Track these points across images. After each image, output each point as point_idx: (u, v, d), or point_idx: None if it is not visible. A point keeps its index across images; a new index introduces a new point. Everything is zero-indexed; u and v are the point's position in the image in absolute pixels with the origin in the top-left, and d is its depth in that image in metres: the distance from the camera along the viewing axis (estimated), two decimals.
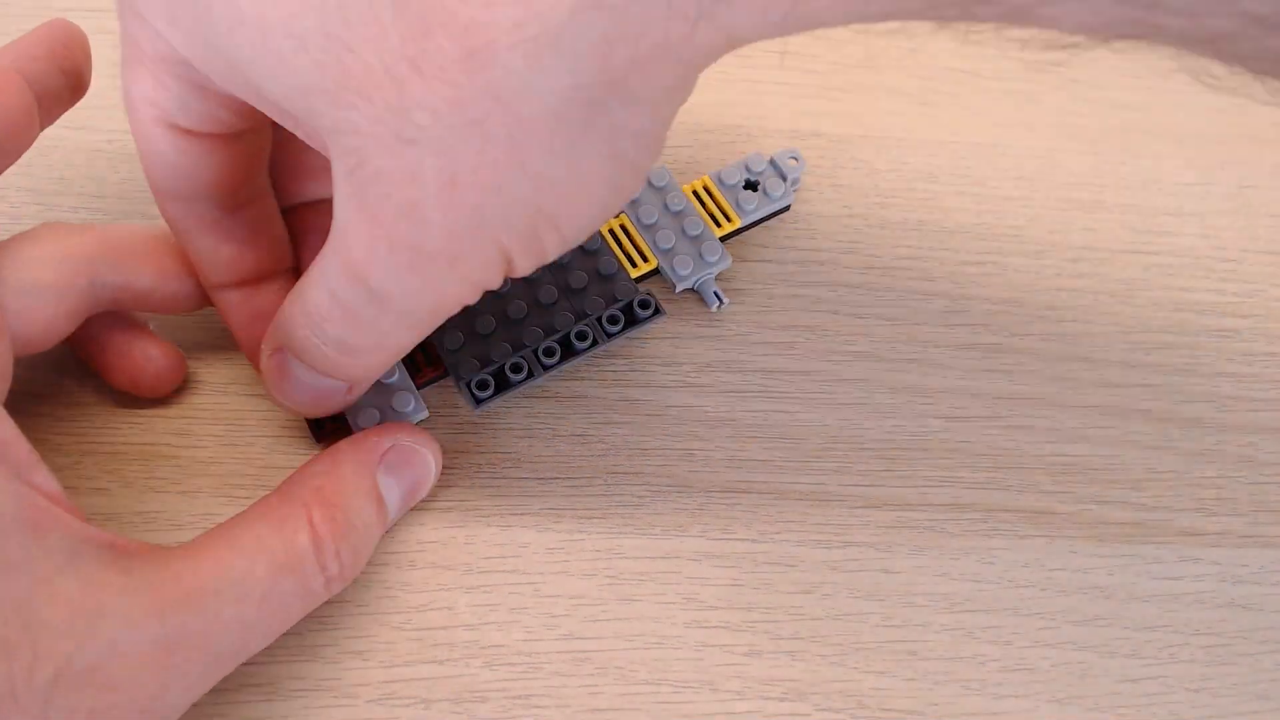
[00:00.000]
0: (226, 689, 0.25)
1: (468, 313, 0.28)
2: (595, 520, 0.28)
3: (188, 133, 0.23)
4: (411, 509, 0.27)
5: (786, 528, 0.28)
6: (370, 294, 0.21)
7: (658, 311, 0.28)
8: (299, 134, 0.21)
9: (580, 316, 0.28)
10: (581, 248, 0.29)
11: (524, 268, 0.21)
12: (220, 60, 0.20)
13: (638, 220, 0.30)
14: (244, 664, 0.25)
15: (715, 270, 0.30)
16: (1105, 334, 0.31)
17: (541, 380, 0.28)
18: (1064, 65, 0.36)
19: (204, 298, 0.27)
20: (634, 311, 0.28)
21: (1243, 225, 0.34)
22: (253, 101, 0.20)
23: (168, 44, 0.21)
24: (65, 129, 0.32)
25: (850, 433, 0.29)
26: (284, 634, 0.25)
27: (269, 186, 0.26)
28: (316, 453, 0.26)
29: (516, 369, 0.27)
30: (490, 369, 0.28)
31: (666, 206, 0.30)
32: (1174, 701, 0.27)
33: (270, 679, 0.25)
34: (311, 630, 0.26)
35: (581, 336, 0.28)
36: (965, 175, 0.34)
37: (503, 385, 0.28)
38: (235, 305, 0.26)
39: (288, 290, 0.24)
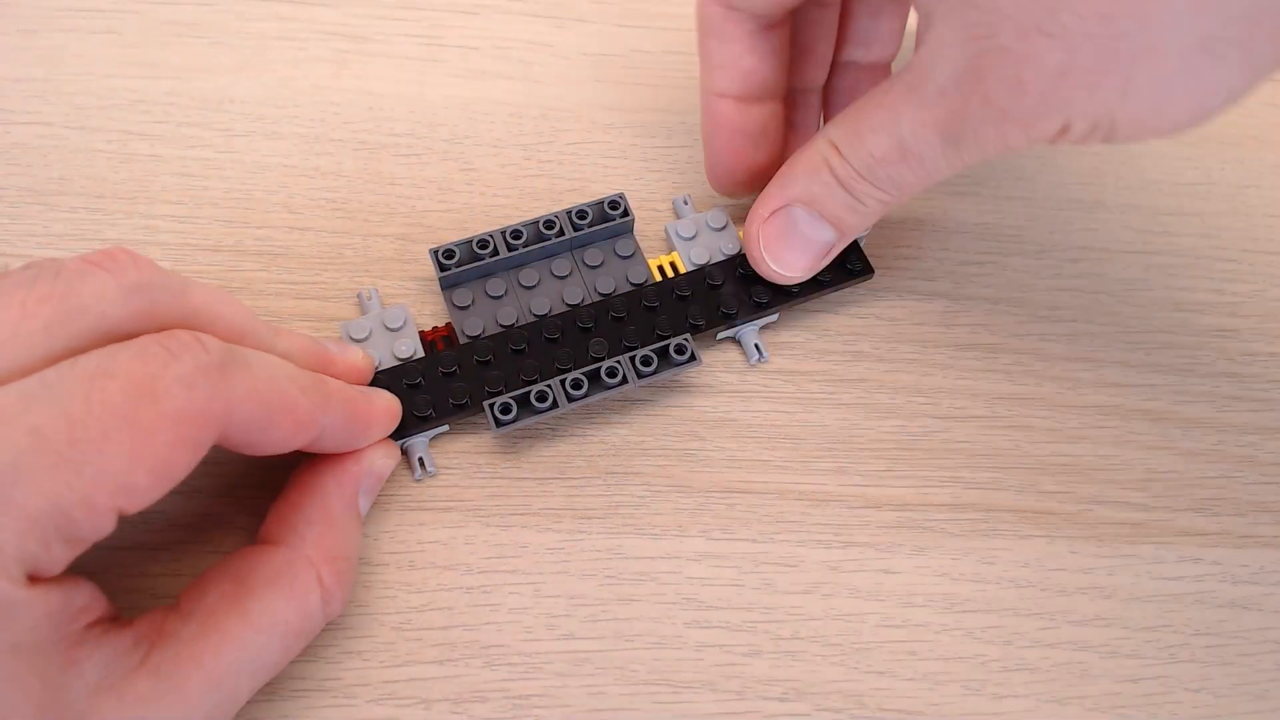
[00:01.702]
0: None
1: (501, 330, 0.28)
2: (595, 520, 0.28)
3: None
4: (411, 509, 0.27)
5: (786, 528, 0.28)
6: (944, 141, 0.24)
7: (693, 358, 0.28)
8: None
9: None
10: (628, 278, 0.29)
11: (1073, 140, 0.23)
12: None
13: (689, 260, 0.30)
14: None
15: (760, 322, 0.30)
16: (1105, 334, 0.31)
17: (564, 410, 0.27)
18: None
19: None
20: (669, 355, 0.28)
21: (1243, 225, 0.34)
22: None
23: None
24: (65, 129, 0.32)
25: (850, 433, 0.29)
26: None
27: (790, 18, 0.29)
28: (297, 472, 0.25)
29: (542, 398, 0.27)
30: (515, 393, 0.27)
31: (720, 250, 0.30)
32: (1174, 701, 0.27)
33: (270, 679, 0.25)
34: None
35: (612, 373, 0.27)
36: (965, 175, 0.34)
37: (525, 409, 0.27)
38: (726, 116, 0.29)
39: (769, 118, 0.29)
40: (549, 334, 0.28)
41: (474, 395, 0.27)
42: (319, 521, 0.24)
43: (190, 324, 0.22)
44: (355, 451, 0.26)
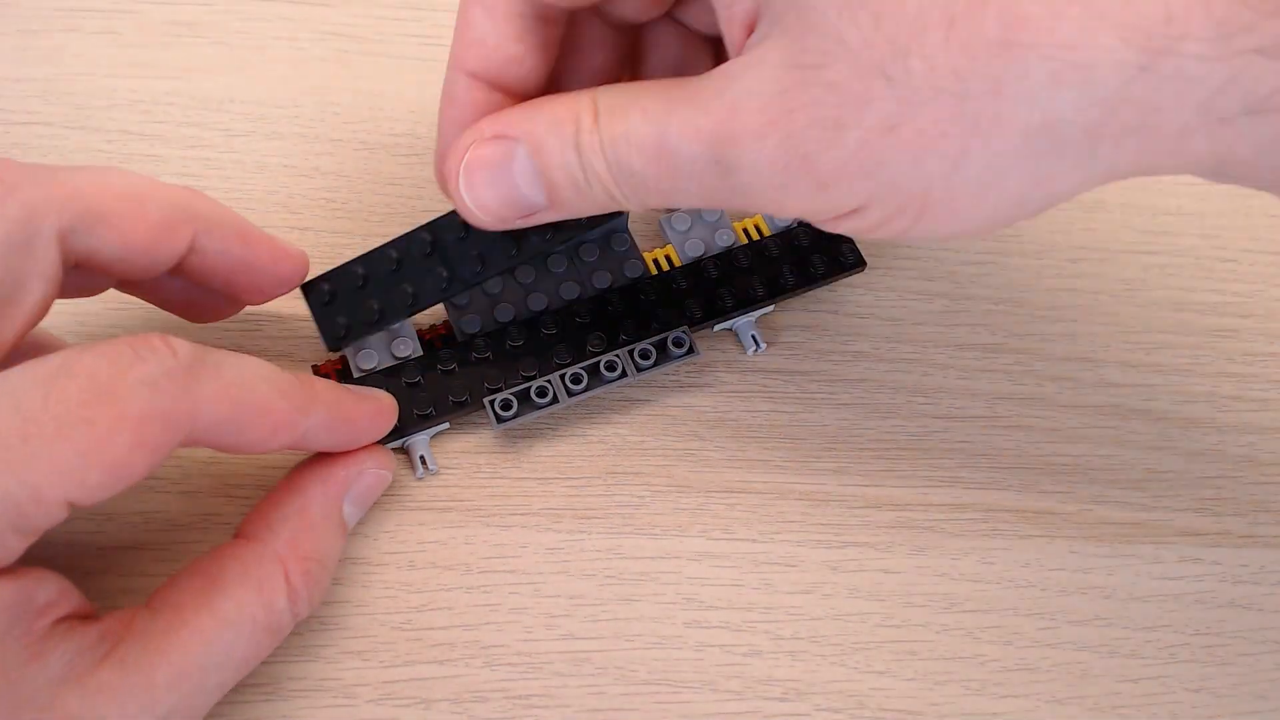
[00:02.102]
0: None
1: (499, 327, 0.28)
2: (595, 520, 0.28)
3: None
4: (411, 509, 0.27)
5: (786, 528, 0.28)
6: (713, 162, 0.21)
7: (691, 350, 0.28)
8: None
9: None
10: (624, 273, 0.29)
11: (854, 227, 0.21)
12: None
13: (683, 254, 0.30)
14: None
15: (757, 313, 0.30)
16: (1105, 334, 0.31)
17: (565, 405, 0.27)
18: None
19: (165, 284, 0.26)
20: (668, 348, 0.28)
21: (1243, 225, 0.34)
22: None
23: None
24: (65, 129, 0.32)
25: (850, 433, 0.29)
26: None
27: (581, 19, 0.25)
28: (290, 471, 0.26)
29: (542, 393, 0.27)
30: (515, 389, 0.27)
31: (715, 242, 0.30)
32: (1174, 701, 0.27)
33: (270, 679, 0.25)
34: (311, 630, 0.26)
35: (611, 367, 0.28)
36: None
37: (525, 404, 0.27)
38: (470, 99, 0.24)
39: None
40: (547, 330, 0.28)
41: (474, 392, 0.27)
42: (294, 520, 0.24)
43: (77, 201, 0.22)
44: (346, 456, 0.25)
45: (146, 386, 0.20)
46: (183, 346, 0.21)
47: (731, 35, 0.22)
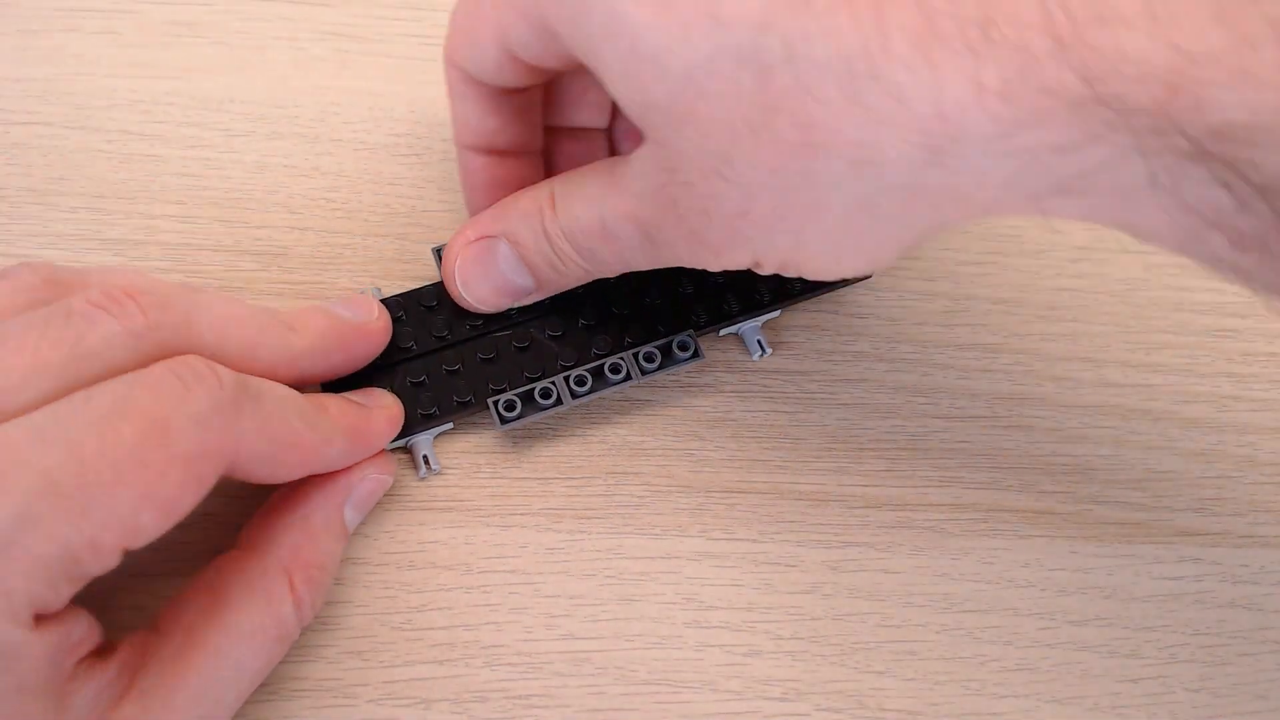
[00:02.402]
0: None
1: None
2: (595, 520, 0.28)
3: (509, 55, 0.25)
4: (411, 509, 0.27)
5: (786, 528, 0.28)
6: (643, 239, 0.24)
7: (696, 354, 0.28)
8: (621, 104, 0.23)
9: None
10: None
11: (768, 271, 0.24)
12: (579, 32, 0.22)
13: None
14: None
15: (763, 318, 0.30)
16: (1105, 334, 0.31)
17: (568, 406, 0.27)
18: None
19: None
20: (672, 351, 0.28)
21: None
22: (592, 66, 0.23)
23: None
24: (65, 129, 0.32)
25: (850, 433, 0.29)
26: None
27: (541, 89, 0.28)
28: (284, 486, 0.25)
29: (546, 395, 0.27)
30: (519, 390, 0.27)
31: None
32: (1174, 701, 0.27)
33: (270, 679, 0.25)
34: (311, 630, 0.26)
35: (615, 370, 0.28)
36: None
37: (529, 405, 0.27)
38: (476, 168, 0.28)
39: (526, 169, 0.28)
40: (551, 332, 0.28)
41: (478, 393, 0.27)
42: (296, 529, 0.25)
43: (200, 353, 0.22)
44: (348, 469, 0.26)
45: (196, 424, 0.21)
46: (227, 376, 0.22)
47: (627, 147, 0.27)
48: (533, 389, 0.27)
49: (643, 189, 0.23)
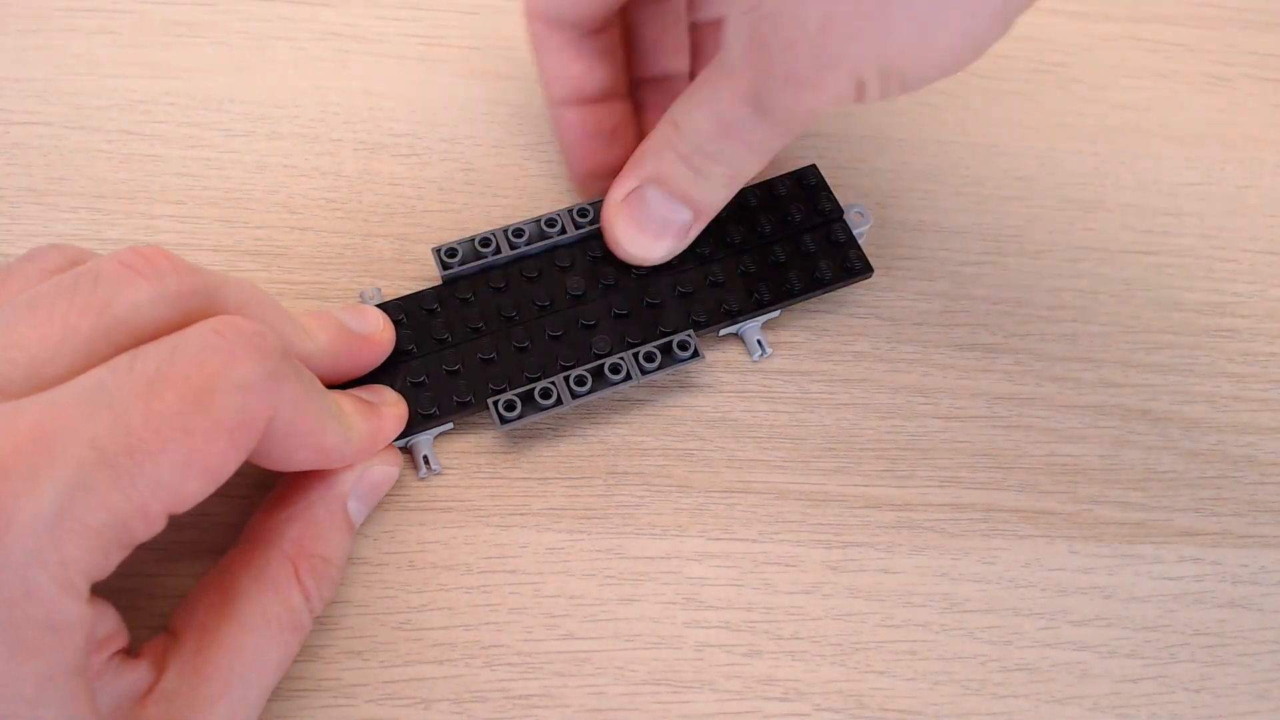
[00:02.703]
0: None
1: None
2: (595, 520, 0.28)
3: None
4: (411, 509, 0.27)
5: (786, 528, 0.28)
6: (755, 111, 0.25)
7: (696, 354, 0.28)
8: None
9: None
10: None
11: (873, 96, 0.24)
12: None
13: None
14: None
15: (763, 318, 0.30)
16: (1105, 334, 0.31)
17: (569, 406, 0.27)
18: (1064, 65, 0.37)
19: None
20: (673, 351, 0.28)
21: (1243, 225, 0.34)
22: None
23: None
24: (65, 129, 0.32)
25: (850, 433, 0.29)
26: None
27: (618, 19, 0.30)
28: (286, 478, 0.25)
29: (546, 395, 0.27)
30: (519, 390, 0.27)
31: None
32: (1174, 701, 0.27)
33: (280, 677, 0.25)
34: (312, 630, 0.26)
35: (615, 369, 0.28)
36: (965, 175, 0.34)
37: (529, 405, 0.27)
38: (571, 121, 0.30)
39: (617, 116, 0.30)
40: (552, 332, 0.28)
41: (478, 393, 0.27)
42: (299, 521, 0.24)
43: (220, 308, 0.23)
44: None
45: (240, 392, 0.20)
46: (272, 339, 0.21)
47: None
48: (532, 389, 0.27)
49: (737, 54, 0.24)
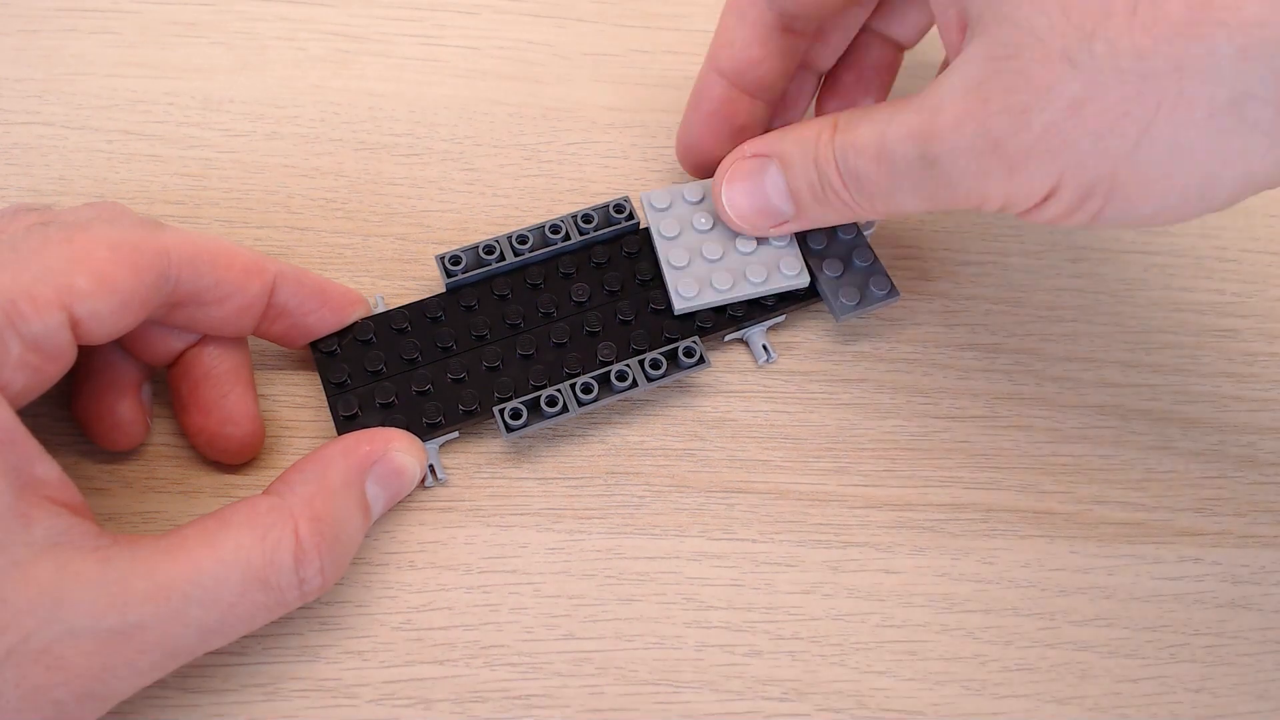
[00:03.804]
0: (227, 689, 0.25)
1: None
2: (595, 520, 0.28)
3: None
4: (411, 509, 0.27)
5: (786, 528, 0.28)
6: (921, 159, 0.23)
7: (702, 360, 0.28)
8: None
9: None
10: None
11: (1054, 214, 0.22)
12: None
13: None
14: (244, 664, 0.25)
15: (768, 323, 0.30)
16: (1105, 334, 0.31)
17: (575, 414, 0.27)
18: None
19: (254, 327, 0.27)
20: (678, 358, 0.28)
21: (1243, 225, 0.34)
22: None
23: None
24: (65, 129, 0.32)
25: (850, 433, 0.29)
26: (284, 634, 0.25)
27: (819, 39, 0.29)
28: (307, 453, 0.26)
29: (552, 402, 0.27)
30: (525, 399, 0.27)
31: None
32: (1174, 701, 0.27)
33: (270, 679, 0.25)
34: (312, 630, 0.26)
35: (621, 377, 0.27)
36: None
37: (534, 413, 0.27)
38: (715, 93, 0.29)
39: (756, 115, 0.29)
40: (557, 340, 0.28)
41: (484, 401, 0.27)
42: (313, 482, 0.24)
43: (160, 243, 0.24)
44: (373, 432, 0.26)
45: (109, 224, 0.23)
46: (130, 211, 0.25)
47: (949, 40, 0.23)
48: (538, 397, 0.27)
49: (946, 93, 0.22)
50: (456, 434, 0.28)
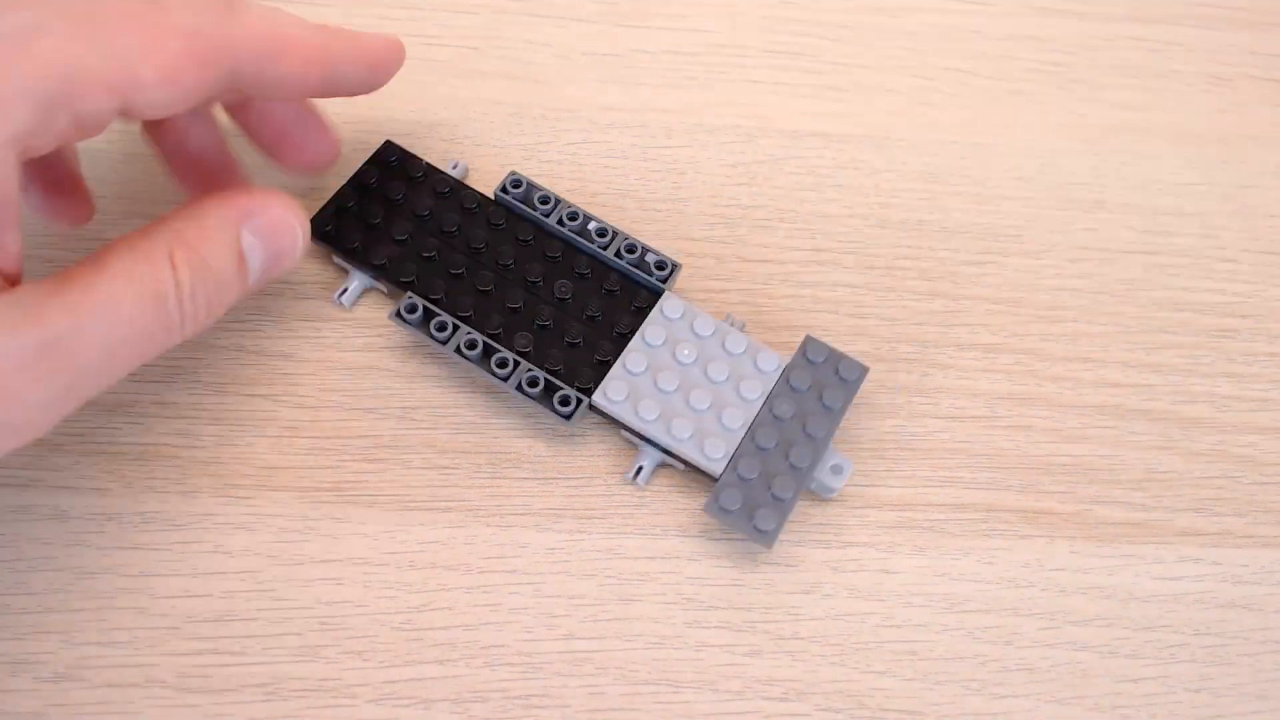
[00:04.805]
0: (227, 689, 0.25)
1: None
2: (595, 520, 0.28)
3: None
4: (411, 509, 0.27)
5: (787, 528, 0.28)
6: None
7: (568, 416, 0.27)
8: None
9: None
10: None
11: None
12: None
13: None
14: (244, 664, 0.25)
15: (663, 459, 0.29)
16: (1105, 334, 0.31)
17: (447, 352, 0.28)
18: (1064, 65, 0.37)
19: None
20: (551, 395, 0.27)
21: (1243, 225, 0.34)
22: None
23: None
24: None
25: (851, 433, 0.29)
26: (283, 634, 0.25)
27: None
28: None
29: (441, 327, 0.28)
30: (488, 334, 0.28)
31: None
32: (1174, 701, 0.27)
33: (270, 679, 0.25)
34: (312, 630, 0.26)
35: (502, 364, 0.28)
36: (965, 175, 0.34)
37: (425, 324, 0.28)
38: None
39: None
40: (541, 321, 0.28)
41: (452, 302, 0.29)
42: (187, 217, 0.24)
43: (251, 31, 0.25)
44: (255, 191, 0.26)
45: (190, 9, 0.23)
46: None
47: None
48: (446, 320, 0.28)
49: None
50: (368, 280, 0.29)
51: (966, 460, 0.29)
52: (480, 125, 0.33)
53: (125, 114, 0.22)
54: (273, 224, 0.26)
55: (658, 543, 0.27)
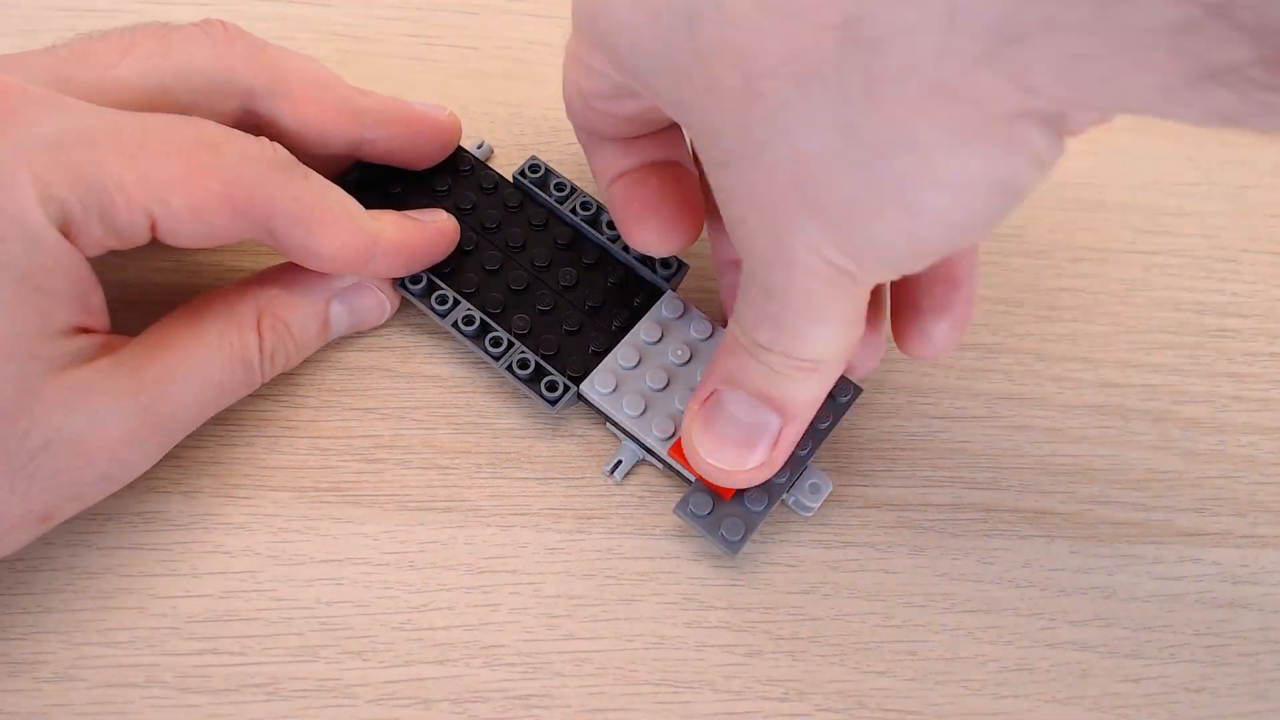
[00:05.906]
0: (227, 689, 0.25)
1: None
2: (595, 520, 0.28)
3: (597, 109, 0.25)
4: (411, 509, 0.27)
5: (786, 528, 0.28)
6: (764, 294, 0.22)
7: (554, 401, 0.27)
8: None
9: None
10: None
11: (859, 277, 0.21)
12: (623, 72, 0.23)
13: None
14: (244, 664, 0.25)
15: (644, 456, 0.28)
16: (1105, 334, 0.31)
17: (444, 325, 0.28)
18: None
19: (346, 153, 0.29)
20: (540, 383, 0.27)
21: (1243, 225, 0.34)
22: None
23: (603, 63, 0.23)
24: None
25: (850, 433, 0.29)
26: (283, 634, 0.25)
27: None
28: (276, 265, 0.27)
29: (442, 301, 0.28)
30: (486, 313, 0.28)
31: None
32: (1174, 701, 0.27)
33: (270, 679, 0.25)
34: (312, 630, 0.26)
35: (496, 343, 0.28)
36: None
37: (426, 296, 0.28)
38: (619, 193, 0.27)
39: (667, 179, 0.27)
40: (542, 306, 0.29)
41: (454, 274, 0.29)
42: (279, 284, 0.27)
43: (270, 73, 0.26)
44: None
45: (245, 158, 0.24)
46: (282, 149, 0.25)
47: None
48: (446, 294, 0.28)
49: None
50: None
51: (966, 460, 0.29)
52: (480, 125, 0.33)
53: (155, 233, 0.23)
54: (364, 301, 0.28)
55: (658, 543, 0.27)
